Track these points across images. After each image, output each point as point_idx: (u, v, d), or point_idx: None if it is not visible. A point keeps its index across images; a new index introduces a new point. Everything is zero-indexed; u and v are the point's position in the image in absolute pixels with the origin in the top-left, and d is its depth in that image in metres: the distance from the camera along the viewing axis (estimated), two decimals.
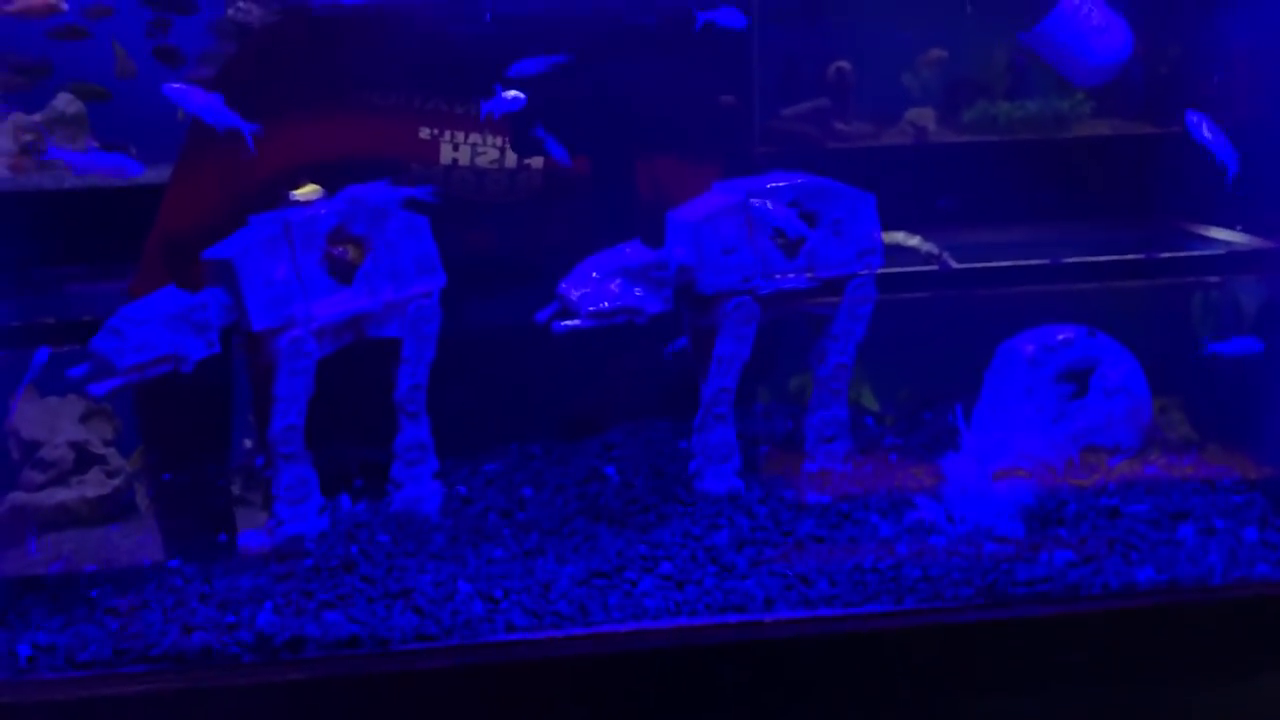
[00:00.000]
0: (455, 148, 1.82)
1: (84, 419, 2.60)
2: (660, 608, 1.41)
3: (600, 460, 1.74)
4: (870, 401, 2.23)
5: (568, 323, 1.52)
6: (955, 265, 2.05)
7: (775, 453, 1.74)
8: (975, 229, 2.32)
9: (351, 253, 1.57)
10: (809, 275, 1.62)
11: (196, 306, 1.44)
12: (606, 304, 1.53)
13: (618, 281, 1.54)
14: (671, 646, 1.36)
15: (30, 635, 1.35)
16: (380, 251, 1.57)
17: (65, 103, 2.49)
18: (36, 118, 2.44)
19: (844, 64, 2.67)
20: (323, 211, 1.53)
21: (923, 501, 1.54)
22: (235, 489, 2.02)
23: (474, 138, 1.82)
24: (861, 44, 2.66)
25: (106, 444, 2.56)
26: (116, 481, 2.48)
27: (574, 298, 1.53)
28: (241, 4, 2.24)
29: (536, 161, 1.84)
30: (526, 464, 1.76)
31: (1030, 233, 2.41)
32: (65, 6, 1.77)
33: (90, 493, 2.47)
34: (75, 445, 2.50)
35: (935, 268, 2.03)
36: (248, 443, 2.11)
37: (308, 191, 1.63)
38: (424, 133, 1.81)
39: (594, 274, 1.55)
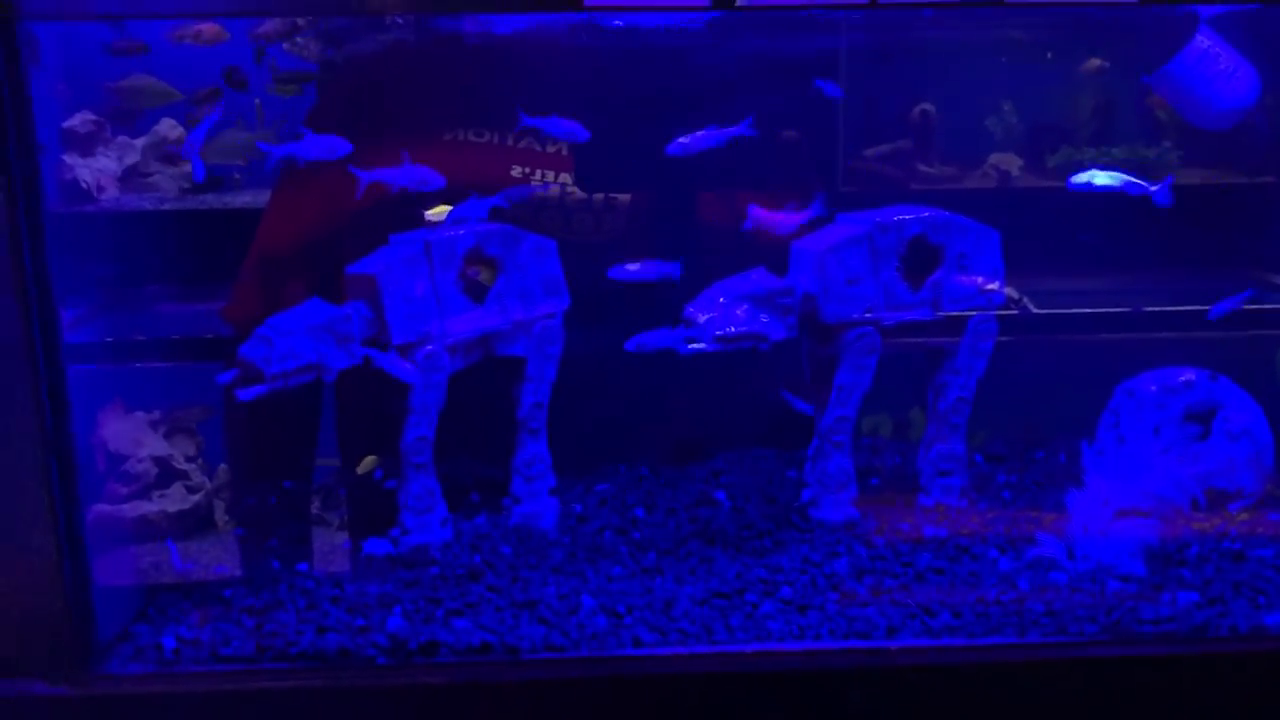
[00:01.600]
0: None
1: (168, 434, 2.64)
2: (783, 630, 1.43)
3: (709, 485, 1.76)
4: None
5: (693, 346, 1.54)
6: (1035, 310, 2.06)
7: (884, 485, 1.75)
8: (1053, 275, 2.33)
9: (484, 273, 1.60)
10: (933, 308, 1.64)
11: (341, 318, 1.47)
12: (732, 329, 1.55)
13: (744, 307, 1.57)
14: (799, 669, 1.37)
15: (173, 629, 1.38)
16: (512, 272, 1.61)
17: (168, 128, 2.53)
18: (140, 142, 2.49)
19: (928, 106, 2.69)
20: (461, 233, 1.57)
21: (1042, 538, 1.54)
22: (315, 508, 2.04)
23: (564, 177, 1.86)
24: (946, 87, 2.68)
25: (189, 460, 2.60)
26: (197, 498, 2.51)
27: (700, 321, 1.56)
28: (300, 39, 2.27)
29: (623, 199, 1.87)
30: (637, 485, 1.78)
31: (1110, 280, 2.40)
32: (229, 34, 1.80)
33: (171, 507, 2.49)
34: (158, 460, 2.54)
35: (1015, 312, 2.04)
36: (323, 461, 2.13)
37: (439, 212, 1.67)
38: (516, 170, 1.85)
39: (720, 299, 1.57)
